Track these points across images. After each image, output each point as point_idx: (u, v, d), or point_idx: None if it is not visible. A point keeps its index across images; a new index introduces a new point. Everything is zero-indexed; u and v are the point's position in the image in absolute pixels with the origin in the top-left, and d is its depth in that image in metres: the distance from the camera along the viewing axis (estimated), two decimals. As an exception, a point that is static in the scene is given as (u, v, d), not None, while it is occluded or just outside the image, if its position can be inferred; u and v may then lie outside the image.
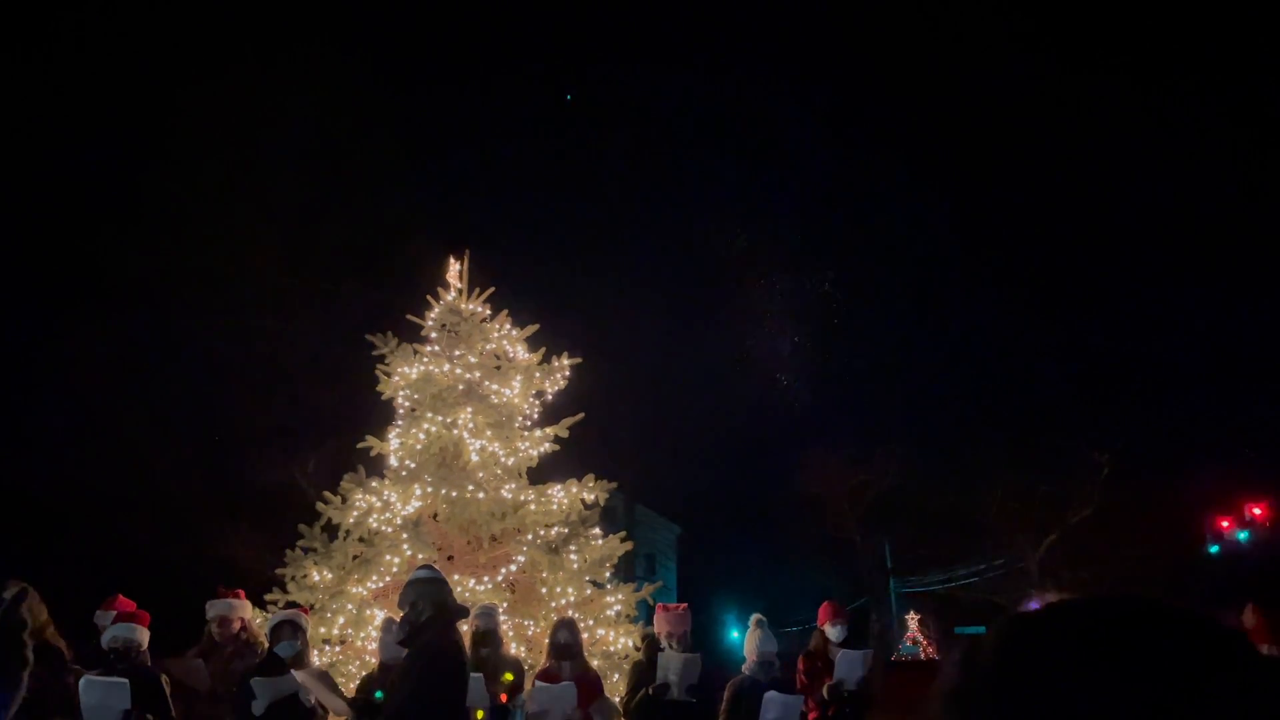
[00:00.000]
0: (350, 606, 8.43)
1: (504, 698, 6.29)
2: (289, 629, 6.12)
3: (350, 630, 8.40)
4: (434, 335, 10.12)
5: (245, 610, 7.09)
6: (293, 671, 5.75)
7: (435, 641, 4.87)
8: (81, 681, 5.32)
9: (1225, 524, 23.19)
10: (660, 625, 6.85)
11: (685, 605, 7.07)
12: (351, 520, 8.99)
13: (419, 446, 9.40)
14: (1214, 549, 23.50)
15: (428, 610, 4.77)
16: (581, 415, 9.95)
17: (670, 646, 6.66)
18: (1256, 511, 22.74)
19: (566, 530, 9.03)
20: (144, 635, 6.11)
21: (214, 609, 6.92)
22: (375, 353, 9.98)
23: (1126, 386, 26.84)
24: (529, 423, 9.96)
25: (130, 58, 25.73)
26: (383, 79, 28.31)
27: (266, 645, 6.23)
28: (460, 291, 10.36)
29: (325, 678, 6.21)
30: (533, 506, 9.13)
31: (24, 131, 21.89)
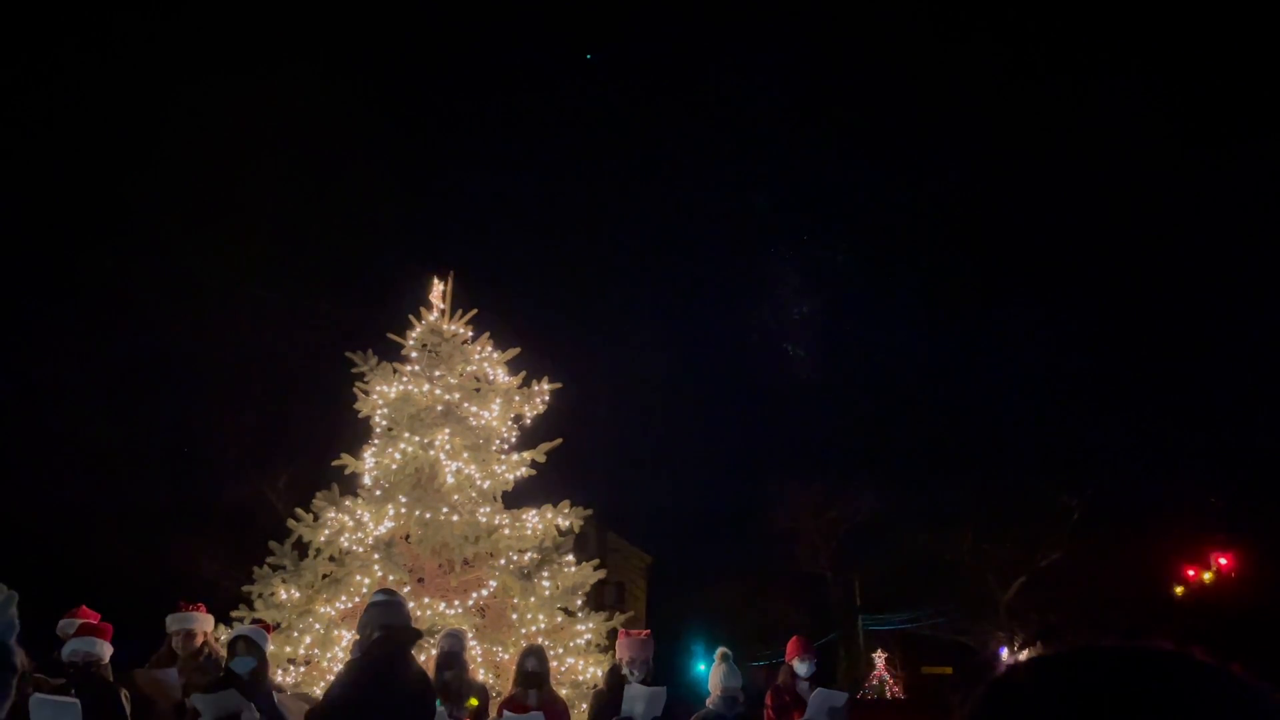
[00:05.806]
0: (318, 626, 8.34)
1: (469, 723, 6.23)
2: (243, 644, 5.98)
3: (317, 650, 8.29)
4: (414, 355, 10.08)
5: (208, 624, 6.96)
6: (275, 698, 5.62)
7: (362, 658, 4.83)
8: (31, 700, 5.15)
9: (1191, 573, 23.40)
10: (621, 651, 6.76)
11: (648, 631, 7.02)
12: (323, 539, 8.90)
13: (394, 466, 9.34)
14: (1180, 595, 23.72)
15: (376, 632, 4.71)
16: (560, 440, 9.93)
17: (631, 673, 6.55)
18: (1223, 561, 22.95)
19: (539, 556, 8.99)
20: (105, 649, 5.97)
21: (175, 622, 6.79)
22: (354, 370, 9.92)
23: (1099, 433, 27.16)
24: (506, 446, 9.94)
25: (119, 72, 25.72)
26: (372, 101, 28.47)
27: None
28: (443, 312, 10.35)
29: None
30: (507, 531, 9.08)
31: (5, 143, 21.79)
